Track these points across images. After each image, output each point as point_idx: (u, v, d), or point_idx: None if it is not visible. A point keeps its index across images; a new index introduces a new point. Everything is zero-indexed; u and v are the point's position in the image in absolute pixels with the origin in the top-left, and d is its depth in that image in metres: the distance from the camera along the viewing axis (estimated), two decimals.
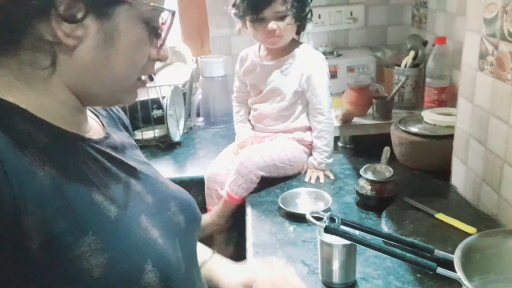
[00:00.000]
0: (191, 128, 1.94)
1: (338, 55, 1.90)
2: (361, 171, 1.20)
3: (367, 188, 1.18)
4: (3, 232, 0.43)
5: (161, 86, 1.69)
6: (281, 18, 1.34)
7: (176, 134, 1.74)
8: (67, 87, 0.53)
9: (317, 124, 1.42)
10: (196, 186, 1.46)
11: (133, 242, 0.52)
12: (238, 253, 1.30)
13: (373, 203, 1.17)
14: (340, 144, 1.62)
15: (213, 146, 1.75)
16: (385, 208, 1.13)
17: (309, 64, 1.41)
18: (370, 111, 1.62)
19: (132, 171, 0.62)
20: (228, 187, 1.34)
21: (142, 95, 1.78)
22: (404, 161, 1.40)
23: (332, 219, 0.73)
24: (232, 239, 1.45)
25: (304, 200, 1.24)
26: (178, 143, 1.75)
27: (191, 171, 1.53)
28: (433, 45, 1.56)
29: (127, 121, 0.76)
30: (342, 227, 0.73)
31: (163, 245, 0.56)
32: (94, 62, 0.53)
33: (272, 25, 1.34)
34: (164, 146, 1.71)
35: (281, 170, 1.38)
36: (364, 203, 1.20)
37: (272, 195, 1.32)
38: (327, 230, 0.73)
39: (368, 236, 0.77)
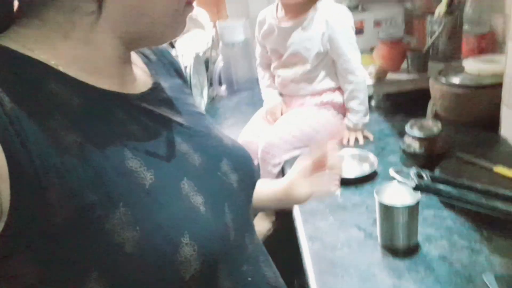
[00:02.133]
0: (214, 97, 1.88)
1: (364, 9, 1.80)
2: (407, 128, 1.13)
3: (415, 146, 1.11)
4: (26, 205, 0.40)
5: (182, 55, 1.62)
6: None
7: (201, 104, 1.68)
8: (113, 32, 0.48)
9: (348, 85, 1.33)
10: None
11: (168, 213, 0.47)
12: (284, 223, 1.25)
13: (422, 161, 1.11)
14: (373, 102, 1.55)
15: (239, 114, 1.69)
16: (435, 166, 1.06)
17: (330, 20, 1.27)
18: (403, 65, 1.54)
19: (178, 129, 0.55)
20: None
21: None
22: (447, 115, 1.32)
23: (419, 176, 0.66)
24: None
25: (347, 163, 1.18)
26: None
27: None
28: None
29: (179, 65, 0.68)
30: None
31: (206, 214, 0.50)
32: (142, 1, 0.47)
33: None
34: None
35: (314, 140, 1.32)
36: (413, 162, 1.13)
37: None
38: (418, 187, 0.66)
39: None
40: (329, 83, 1.36)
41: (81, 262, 0.43)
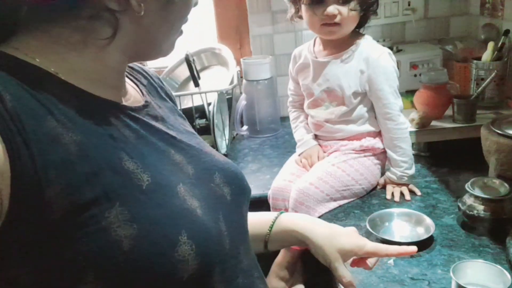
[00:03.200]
0: (234, 137, 1.74)
1: (399, 50, 1.68)
2: (468, 187, 0.99)
3: (478, 208, 0.96)
4: (25, 202, 0.41)
5: (207, 93, 1.49)
6: (344, 1, 1.11)
7: (223, 145, 1.54)
8: (122, 51, 0.52)
9: (387, 132, 1.19)
10: (257, 206, 1.25)
11: (166, 211, 0.48)
12: None
13: (488, 227, 0.95)
14: (413, 151, 1.40)
15: (264, 158, 1.54)
16: (504, 233, 0.91)
17: (371, 59, 1.16)
18: (447, 113, 1.40)
19: (171, 141, 0.57)
20: None
21: (185, 103, 1.58)
22: (504, 172, 1.18)
23: None
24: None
25: (397, 224, 1.03)
26: (225, 156, 1.54)
27: None
28: None
29: (170, 91, 0.71)
30: None
31: (202, 217, 0.51)
32: (156, 23, 0.52)
33: (333, 9, 1.10)
34: None
35: (352, 195, 1.17)
36: (474, 226, 0.97)
37: (352, 217, 1.10)
38: None
39: None
40: (369, 125, 1.22)
41: (78, 261, 0.43)
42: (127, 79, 0.60)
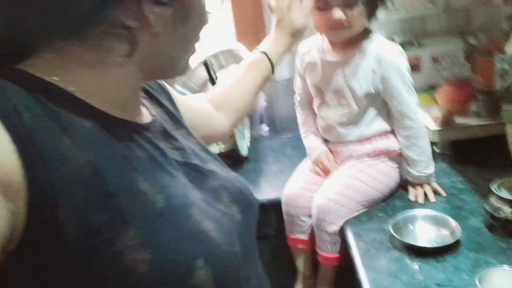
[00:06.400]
0: (255, 139, 1.74)
1: (419, 45, 1.65)
2: (493, 188, 0.96)
3: (506, 211, 0.93)
4: (40, 223, 0.40)
5: None
6: (350, 5, 1.06)
7: (244, 147, 1.55)
8: (139, 69, 0.51)
9: (404, 130, 1.15)
10: (277, 209, 1.25)
11: (182, 235, 0.47)
12: None
13: None
14: (437, 150, 1.38)
15: (285, 159, 1.54)
16: None
17: (383, 58, 1.12)
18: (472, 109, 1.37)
19: (176, 165, 0.55)
20: (318, 249, 1.13)
21: None
22: None
23: None
24: None
25: (421, 227, 1.01)
26: (246, 158, 1.55)
27: (268, 192, 1.33)
28: None
29: (170, 94, 0.70)
30: None
31: (218, 240, 0.50)
32: (172, 39, 0.51)
33: (338, 13, 1.05)
34: (231, 162, 1.51)
35: (373, 203, 1.15)
36: (503, 229, 0.95)
37: (376, 220, 1.10)
38: None
39: None
40: (380, 126, 1.19)
41: (89, 285, 0.42)
42: None
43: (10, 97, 0.41)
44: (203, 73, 1.68)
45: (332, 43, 1.19)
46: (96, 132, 0.46)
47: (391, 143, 1.19)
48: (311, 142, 1.30)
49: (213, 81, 1.53)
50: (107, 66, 0.48)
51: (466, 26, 1.75)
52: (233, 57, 1.79)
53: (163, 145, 0.55)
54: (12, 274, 0.41)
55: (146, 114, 0.57)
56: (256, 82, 0.90)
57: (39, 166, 0.40)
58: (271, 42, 0.93)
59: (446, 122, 1.31)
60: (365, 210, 1.13)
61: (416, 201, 1.14)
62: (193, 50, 0.57)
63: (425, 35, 1.77)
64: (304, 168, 1.30)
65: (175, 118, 0.65)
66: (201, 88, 1.79)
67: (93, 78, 0.47)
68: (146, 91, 0.63)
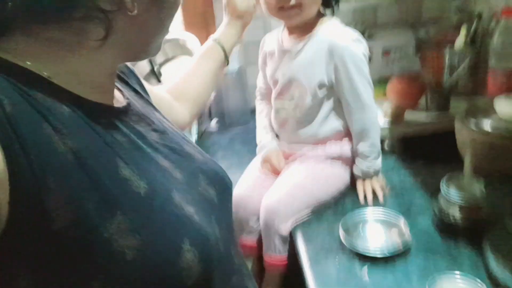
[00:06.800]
0: (203, 133, 1.66)
1: (370, 36, 1.62)
2: (442, 188, 0.94)
3: (454, 213, 0.92)
4: (25, 211, 0.39)
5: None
6: None
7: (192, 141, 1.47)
8: (115, 53, 0.50)
9: (357, 125, 1.11)
10: None
11: (166, 219, 0.48)
12: None
13: (464, 231, 0.91)
14: (386, 146, 1.35)
15: (234, 154, 1.48)
16: (481, 235, 0.87)
17: (338, 47, 1.05)
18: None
19: (156, 145, 0.55)
20: (265, 253, 1.07)
21: None
22: (484, 166, 1.14)
23: None
24: None
25: (372, 229, 0.98)
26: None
27: None
28: (496, 19, 1.29)
29: (139, 78, 0.70)
30: None
31: (200, 222, 0.51)
32: (148, 22, 0.51)
33: None
34: None
35: (322, 205, 1.10)
36: (453, 232, 0.93)
37: (325, 221, 1.05)
38: None
39: None
40: (334, 124, 1.14)
41: (80, 272, 0.42)
42: None
43: None
44: (146, 66, 1.58)
45: (289, 30, 1.13)
46: (75, 118, 0.46)
47: (345, 149, 1.14)
48: (262, 137, 1.25)
49: (156, 77, 1.44)
50: (83, 50, 0.47)
51: (417, 17, 1.75)
52: (180, 48, 1.70)
53: (141, 128, 0.55)
54: (1, 268, 0.41)
55: (120, 97, 0.57)
56: (211, 71, 0.91)
57: (21, 156, 0.39)
58: (222, 29, 0.95)
59: (396, 117, 1.29)
60: (314, 213, 1.09)
61: (365, 203, 1.10)
62: (167, 31, 0.56)
63: (376, 26, 1.75)
64: (254, 167, 1.24)
65: (147, 101, 0.65)
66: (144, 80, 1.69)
67: (68, 62, 0.47)
68: (117, 76, 0.62)
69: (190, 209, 0.51)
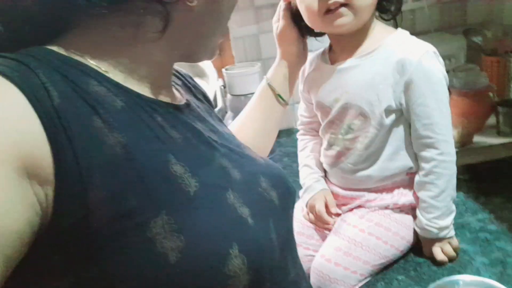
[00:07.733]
0: None
1: None
2: None
3: None
4: (68, 207, 0.38)
5: None
6: None
7: None
8: (172, 48, 0.49)
9: (425, 163, 0.84)
10: None
11: (215, 221, 0.44)
12: None
13: None
14: None
15: None
16: None
17: (409, 62, 0.79)
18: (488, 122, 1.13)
19: (214, 144, 0.52)
20: None
21: None
22: None
23: None
24: None
25: None
26: None
27: None
28: None
29: (204, 90, 0.68)
30: None
31: (254, 226, 0.47)
32: (206, 16, 0.49)
33: None
34: None
35: (388, 262, 0.86)
36: None
37: (395, 285, 0.81)
38: None
39: None
40: (404, 160, 0.87)
41: (121, 273, 0.40)
42: None
43: (39, 76, 0.39)
44: None
45: (340, 46, 0.87)
46: (128, 112, 0.44)
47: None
48: (307, 176, 0.99)
49: None
50: (140, 43, 0.47)
51: (461, 21, 1.53)
52: (190, 67, 1.48)
53: (199, 126, 0.53)
54: (40, 260, 0.38)
55: (179, 97, 0.56)
56: (265, 112, 0.85)
57: (68, 148, 0.38)
58: (273, 69, 0.88)
59: (463, 143, 1.06)
60: (378, 273, 0.85)
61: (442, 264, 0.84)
62: (224, 30, 0.55)
63: (415, 32, 1.52)
64: (297, 214, 0.98)
65: (210, 109, 0.64)
66: None
67: (125, 56, 0.46)
68: (183, 84, 0.63)
69: (244, 211, 0.48)
